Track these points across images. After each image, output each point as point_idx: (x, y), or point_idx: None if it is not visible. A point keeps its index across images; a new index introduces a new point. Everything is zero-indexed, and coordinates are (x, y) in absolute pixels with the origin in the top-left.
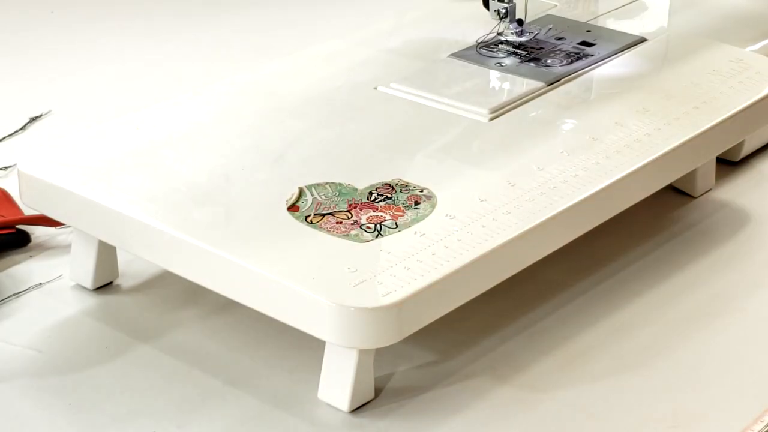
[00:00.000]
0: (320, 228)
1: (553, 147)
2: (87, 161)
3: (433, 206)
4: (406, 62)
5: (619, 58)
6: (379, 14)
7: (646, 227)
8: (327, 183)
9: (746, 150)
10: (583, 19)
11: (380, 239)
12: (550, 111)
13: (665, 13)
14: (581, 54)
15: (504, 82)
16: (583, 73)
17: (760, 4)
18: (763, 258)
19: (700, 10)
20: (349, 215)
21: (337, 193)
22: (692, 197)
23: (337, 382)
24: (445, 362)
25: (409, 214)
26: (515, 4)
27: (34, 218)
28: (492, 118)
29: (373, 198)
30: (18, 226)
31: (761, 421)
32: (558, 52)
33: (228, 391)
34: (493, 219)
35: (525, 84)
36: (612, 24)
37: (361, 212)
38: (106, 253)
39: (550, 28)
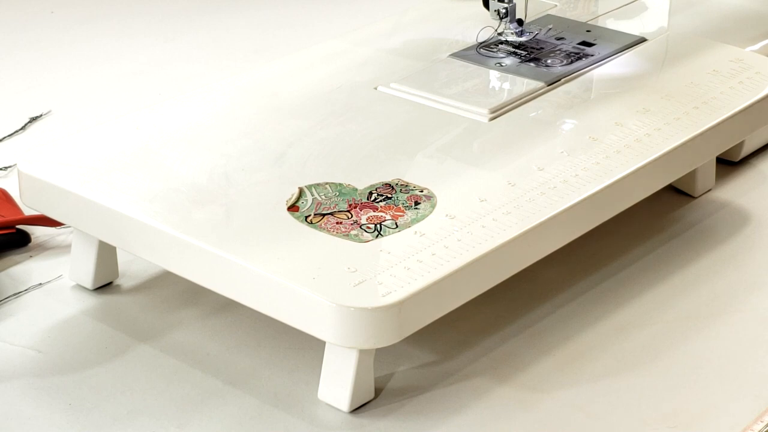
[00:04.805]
0: (320, 228)
1: (553, 147)
2: (87, 161)
3: (433, 206)
4: (406, 62)
5: (619, 58)
6: (379, 14)
7: (646, 227)
8: (327, 183)
9: (746, 150)
10: (583, 19)
11: (380, 239)
12: (550, 111)
13: (665, 13)
14: (581, 54)
15: (504, 82)
16: (583, 73)
17: (760, 4)
18: (763, 258)
19: (700, 10)
20: (349, 215)
21: (337, 193)
22: (692, 197)
23: (337, 382)
24: (445, 362)
25: (409, 214)
26: (515, 4)
27: (34, 218)
28: (492, 118)
29: (373, 198)
30: (18, 226)
31: (761, 421)
32: (558, 52)
33: (228, 391)
34: (493, 219)
35: (525, 84)
36: (612, 24)
37: (361, 212)
38: (106, 253)
39: (550, 28)
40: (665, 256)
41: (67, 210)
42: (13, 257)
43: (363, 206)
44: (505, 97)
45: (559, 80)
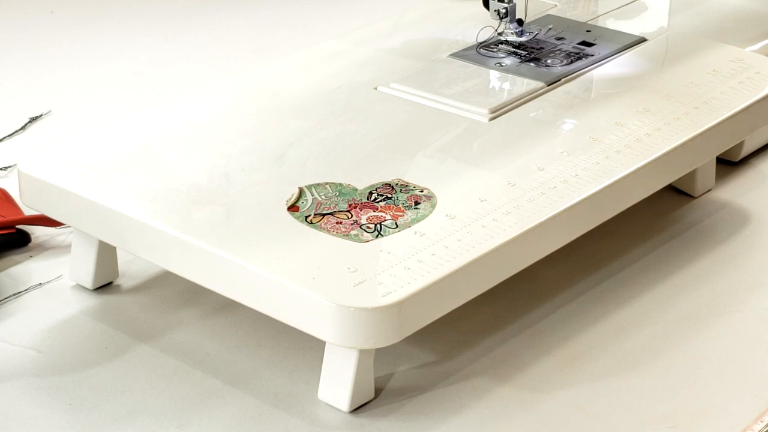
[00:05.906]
0: (320, 228)
1: (553, 147)
2: (87, 161)
3: (433, 206)
4: (406, 62)
5: (619, 58)
6: (379, 14)
7: (646, 227)
8: (327, 183)
9: (746, 150)
10: (583, 19)
11: (380, 239)
12: (550, 111)
13: (665, 13)
14: (581, 54)
15: (504, 82)
16: (583, 73)
17: (760, 4)
18: (763, 258)
19: (700, 10)
20: (349, 215)
21: (337, 193)
22: (692, 197)
23: (337, 382)
24: (445, 362)
25: (409, 214)
26: (515, 4)
27: (34, 218)
28: (492, 118)
29: (373, 198)
30: (18, 226)
31: (761, 421)
32: (558, 52)
33: (228, 391)
34: (493, 219)
35: (525, 84)
36: (612, 24)
37: (361, 212)
38: (106, 253)
39: (550, 28)
40: (665, 256)
41: (67, 210)
42: (13, 257)
43: (363, 206)
44: (505, 97)
45: (559, 80)
